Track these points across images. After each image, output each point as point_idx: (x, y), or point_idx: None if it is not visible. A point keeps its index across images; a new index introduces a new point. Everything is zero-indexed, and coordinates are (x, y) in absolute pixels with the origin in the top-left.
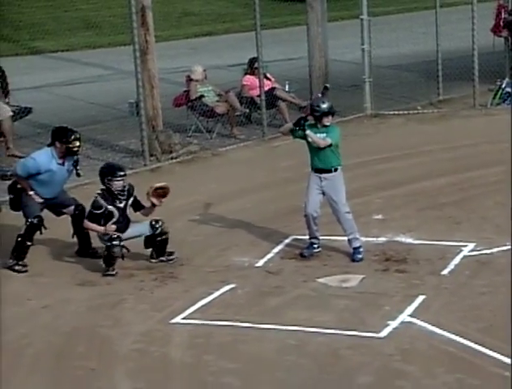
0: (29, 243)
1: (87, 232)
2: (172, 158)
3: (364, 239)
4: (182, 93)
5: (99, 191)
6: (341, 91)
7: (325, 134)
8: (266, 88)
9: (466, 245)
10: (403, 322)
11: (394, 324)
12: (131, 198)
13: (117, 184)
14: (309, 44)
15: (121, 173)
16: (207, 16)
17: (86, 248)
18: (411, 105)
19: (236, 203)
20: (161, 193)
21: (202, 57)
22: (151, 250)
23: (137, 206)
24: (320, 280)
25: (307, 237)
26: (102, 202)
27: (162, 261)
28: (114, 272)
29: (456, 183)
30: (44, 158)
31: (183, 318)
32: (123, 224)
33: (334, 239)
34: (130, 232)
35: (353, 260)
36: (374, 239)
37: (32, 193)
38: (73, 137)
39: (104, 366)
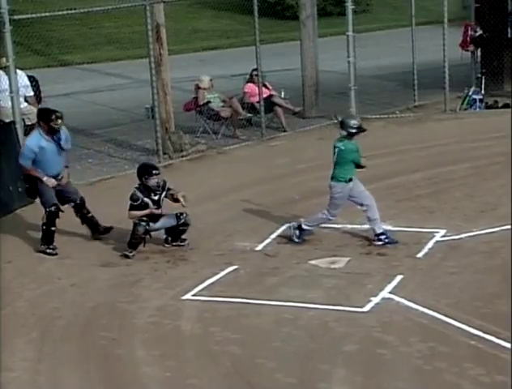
0: (53, 228)
1: (91, 216)
2: (182, 156)
3: (350, 226)
4: (191, 99)
5: (136, 186)
6: (330, 98)
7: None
8: (265, 95)
9: (438, 232)
10: (383, 299)
11: (375, 300)
12: (164, 192)
13: (153, 181)
14: (302, 56)
15: (156, 172)
16: (214, 33)
17: (96, 229)
18: (390, 110)
19: (239, 195)
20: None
21: (209, 68)
22: (165, 236)
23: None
24: (312, 262)
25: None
26: (139, 194)
27: (174, 246)
28: (131, 254)
29: (430, 178)
30: (34, 139)
31: (192, 295)
32: (156, 214)
33: (323, 227)
34: (160, 223)
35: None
36: (359, 226)
37: (45, 178)
38: (54, 116)
39: (124, 336)
